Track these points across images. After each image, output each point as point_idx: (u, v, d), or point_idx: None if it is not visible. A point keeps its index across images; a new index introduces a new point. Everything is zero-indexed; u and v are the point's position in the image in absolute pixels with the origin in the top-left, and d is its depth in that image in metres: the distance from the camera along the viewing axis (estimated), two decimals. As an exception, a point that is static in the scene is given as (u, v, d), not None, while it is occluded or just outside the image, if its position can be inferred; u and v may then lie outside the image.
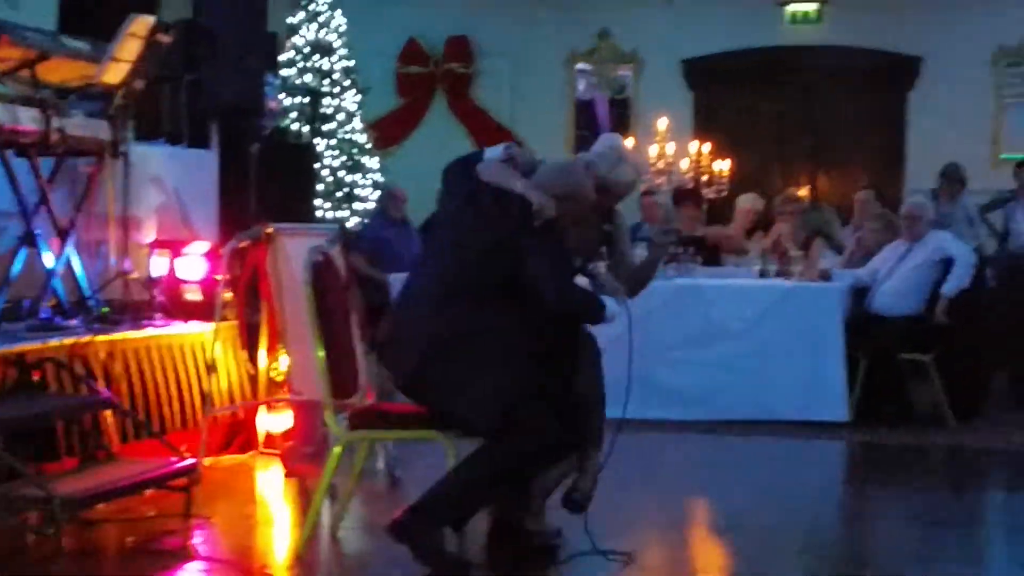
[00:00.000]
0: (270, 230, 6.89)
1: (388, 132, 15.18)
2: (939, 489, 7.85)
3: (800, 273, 9.60)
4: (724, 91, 15.26)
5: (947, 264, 9.33)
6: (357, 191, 13.54)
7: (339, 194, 13.43)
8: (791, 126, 15.09)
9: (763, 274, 9.83)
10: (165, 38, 7.30)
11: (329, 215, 13.09)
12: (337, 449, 5.41)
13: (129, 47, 7.03)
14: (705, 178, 12.56)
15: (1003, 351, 10.19)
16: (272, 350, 7.40)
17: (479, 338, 5.06)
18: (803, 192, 14.32)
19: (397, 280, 9.75)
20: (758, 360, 9.17)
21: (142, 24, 7.08)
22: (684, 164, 12.55)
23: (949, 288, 9.24)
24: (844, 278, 9.67)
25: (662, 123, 12.62)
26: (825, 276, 9.56)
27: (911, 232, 9.57)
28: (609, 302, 5.33)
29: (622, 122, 15.26)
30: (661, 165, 12.40)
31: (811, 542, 6.15)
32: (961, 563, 5.76)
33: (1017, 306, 10.38)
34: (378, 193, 13.36)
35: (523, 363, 5.07)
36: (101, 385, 6.43)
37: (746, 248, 11.23)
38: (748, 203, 11.75)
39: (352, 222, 13.25)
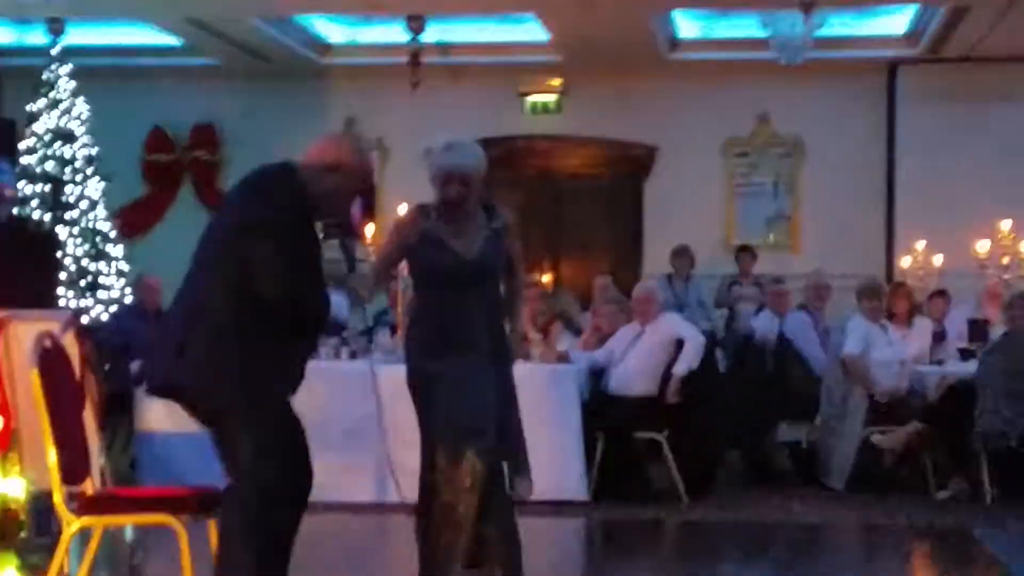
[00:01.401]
0: (2, 316, 6.81)
1: (134, 220, 15.04)
2: (675, 562, 8.13)
3: (540, 355, 9.83)
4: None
5: (679, 345, 9.67)
6: (102, 279, 13.41)
7: (83, 282, 13.27)
8: (533, 213, 15.40)
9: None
10: None
11: (73, 303, 12.91)
12: (67, 536, 5.36)
13: None
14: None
15: (735, 429, 10.56)
16: (5, 439, 7.27)
17: None
18: (546, 278, 14.66)
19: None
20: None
21: None
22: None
23: (680, 368, 9.56)
24: (581, 360, 9.94)
25: (404, 209, 12.77)
26: (563, 358, 9.81)
27: (643, 315, 9.90)
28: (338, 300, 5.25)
29: (368, 210, 15.38)
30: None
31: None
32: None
33: (746, 384, 10.79)
34: (122, 282, 13.25)
35: None
36: None
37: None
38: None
39: (96, 310, 13.09)
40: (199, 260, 5.06)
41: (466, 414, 5.73)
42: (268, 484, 4.86)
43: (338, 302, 5.15)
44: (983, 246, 12.97)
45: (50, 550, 6.14)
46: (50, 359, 5.39)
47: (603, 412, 9.57)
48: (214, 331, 4.88)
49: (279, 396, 5.01)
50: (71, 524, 5.34)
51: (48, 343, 5.41)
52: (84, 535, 5.65)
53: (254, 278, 4.83)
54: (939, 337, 11.71)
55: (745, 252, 14.05)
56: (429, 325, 5.98)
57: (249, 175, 5.15)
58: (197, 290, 5.00)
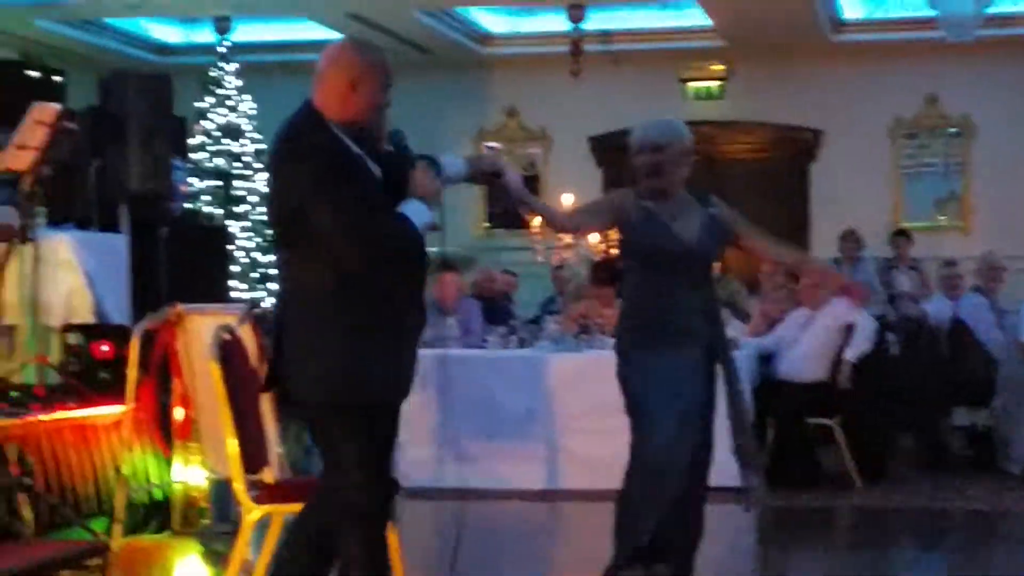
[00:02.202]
0: (179, 310, 6.96)
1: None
2: (847, 549, 8.02)
3: (708, 342, 9.75)
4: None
5: (849, 330, 9.54)
6: (272, 271, 13.62)
7: (254, 275, 13.51)
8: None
9: (673, 345, 9.96)
10: (71, 125, 7.38)
11: (245, 296, 13.16)
12: (248, 524, 5.46)
13: (35, 134, 7.10)
14: (615, 252, 12.71)
15: (909, 413, 10.39)
16: (185, 429, 7.44)
17: None
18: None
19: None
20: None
21: (48, 111, 7.16)
22: (593, 238, 12.71)
23: (851, 353, 9.44)
24: (750, 346, 9.86)
25: (568, 199, 12.80)
26: (732, 345, 9.72)
27: (812, 300, 9.78)
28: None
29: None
30: (569, 240, 12.55)
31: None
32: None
33: (920, 369, 10.60)
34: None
35: None
36: (15, 468, 6.43)
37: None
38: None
39: (268, 302, 13.32)
40: (276, 242, 4.72)
41: (673, 412, 5.58)
42: (362, 500, 4.52)
43: (415, 209, 4.53)
44: None
45: (231, 537, 6.29)
46: (229, 351, 5.49)
47: (773, 398, 9.48)
48: (307, 318, 4.51)
49: (384, 395, 4.59)
50: (251, 512, 5.43)
51: (227, 335, 5.52)
52: (263, 523, 5.75)
53: (330, 251, 4.39)
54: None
55: (901, 236, 13.79)
56: (644, 313, 5.75)
57: (280, 136, 4.59)
58: (286, 275, 4.68)
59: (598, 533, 5.98)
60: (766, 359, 9.87)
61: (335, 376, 4.44)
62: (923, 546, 8.13)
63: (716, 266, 14.17)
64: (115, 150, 8.77)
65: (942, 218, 15.16)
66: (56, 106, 7.34)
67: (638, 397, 5.64)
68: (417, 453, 8.98)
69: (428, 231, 4.57)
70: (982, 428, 10.42)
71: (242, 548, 5.53)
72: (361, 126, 4.59)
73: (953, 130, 15.22)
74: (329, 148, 4.46)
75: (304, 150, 4.47)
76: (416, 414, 9.30)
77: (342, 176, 4.41)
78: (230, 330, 5.69)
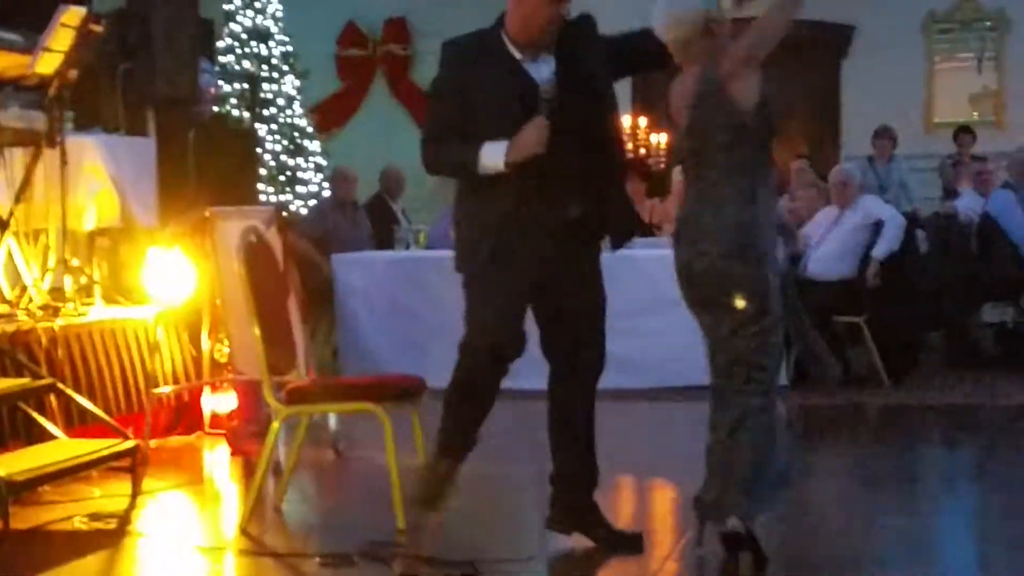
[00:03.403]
0: (207, 214, 6.98)
1: (329, 116, 15.28)
2: (877, 446, 8.06)
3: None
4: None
5: (878, 227, 9.51)
6: (300, 175, 13.67)
7: (282, 178, 13.55)
8: (727, 97, 15.20)
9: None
10: (98, 28, 7.36)
11: (272, 199, 13.19)
12: (276, 424, 5.53)
13: (62, 37, 7.08)
14: (643, 151, 12.70)
15: (936, 311, 10.38)
16: (214, 331, 7.50)
17: None
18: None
19: (340, 261, 9.92)
20: (697, 327, 9.25)
21: (74, 14, 7.13)
22: (622, 138, 12.67)
23: (879, 251, 9.43)
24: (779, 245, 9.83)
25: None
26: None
27: (841, 198, 9.75)
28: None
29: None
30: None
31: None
32: (902, 515, 5.90)
33: (949, 266, 10.57)
34: (320, 176, 13.47)
35: None
36: (44, 371, 6.51)
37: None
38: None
39: (295, 205, 13.36)
40: None
41: None
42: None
43: (492, 151, 4.97)
44: None
45: (260, 437, 6.37)
46: (255, 254, 5.52)
47: (802, 296, 9.46)
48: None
49: None
50: (279, 413, 5.50)
51: (252, 238, 5.54)
52: (291, 423, 5.82)
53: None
54: None
55: (966, 133, 13.63)
56: None
57: None
58: None
59: (625, 431, 6.02)
60: (795, 258, 9.85)
61: None
62: (951, 442, 8.16)
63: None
64: (142, 54, 8.74)
65: (976, 114, 15.01)
66: (83, 9, 7.31)
67: None
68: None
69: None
70: (1011, 325, 10.40)
71: (270, 448, 5.61)
72: (530, 38, 4.99)
73: (988, 24, 15.03)
74: (448, 67, 5.08)
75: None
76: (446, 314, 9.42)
77: (442, 95, 5.10)
78: (257, 233, 5.72)
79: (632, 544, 5.19)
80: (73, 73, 7.39)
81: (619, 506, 6.10)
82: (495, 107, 4.96)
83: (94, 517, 5.83)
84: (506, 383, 5.14)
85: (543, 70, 4.99)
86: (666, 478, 6.78)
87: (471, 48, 5.11)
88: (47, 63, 7.16)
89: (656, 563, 5.09)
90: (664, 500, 6.62)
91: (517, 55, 5.02)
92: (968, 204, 11.08)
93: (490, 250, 5.03)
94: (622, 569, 5.13)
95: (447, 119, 5.07)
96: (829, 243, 9.63)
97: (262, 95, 13.62)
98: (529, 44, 5.00)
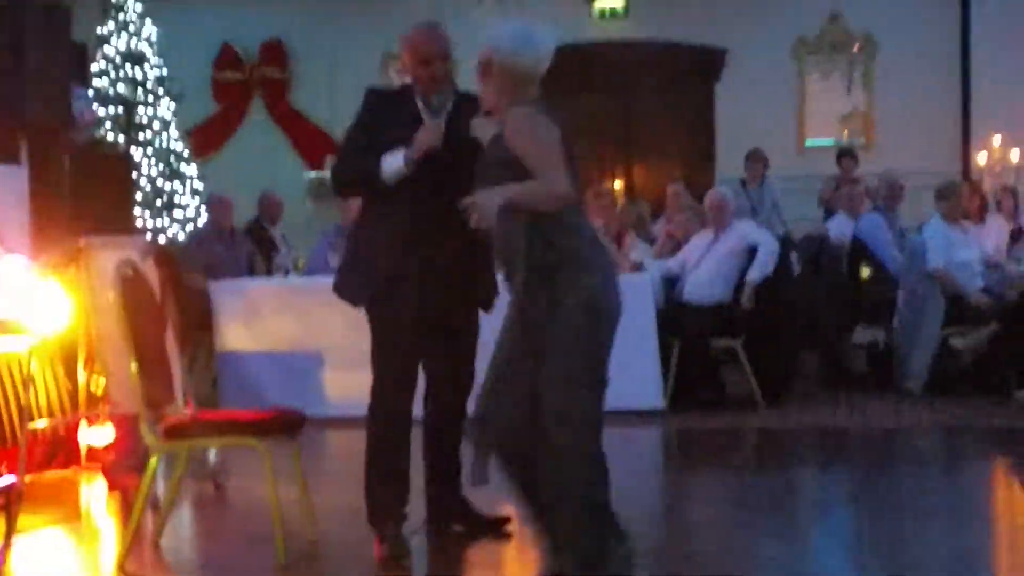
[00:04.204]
0: (82, 244, 6.90)
1: (206, 139, 15.14)
2: (753, 469, 8.14)
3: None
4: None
5: (752, 252, 9.64)
6: (177, 199, 13.53)
7: (159, 203, 13.41)
8: (603, 121, 15.34)
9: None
10: (-34, 57, 7.25)
11: (150, 224, 13.06)
12: (154, 459, 5.48)
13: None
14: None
15: (810, 332, 10.54)
16: (90, 363, 7.41)
17: None
18: (616, 185, 14.64)
19: (219, 288, 9.84)
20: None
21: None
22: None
23: (753, 275, 9.55)
24: (655, 268, 9.94)
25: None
26: (637, 268, 9.81)
27: (716, 222, 9.87)
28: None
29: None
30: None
31: (632, 529, 6.28)
32: (779, 540, 5.96)
33: (821, 288, 10.73)
34: (197, 200, 13.36)
35: None
36: (-85, 407, 6.38)
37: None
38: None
39: (173, 230, 13.23)
40: None
41: None
42: None
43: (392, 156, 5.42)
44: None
45: (138, 472, 6.30)
46: (130, 287, 5.47)
47: (678, 320, 9.58)
48: None
49: None
50: (157, 449, 5.45)
51: (128, 271, 5.49)
52: (169, 457, 5.77)
53: None
54: (1016, 235, 11.59)
55: (847, 156, 13.85)
56: None
57: None
58: None
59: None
60: (671, 282, 9.96)
61: None
62: (826, 465, 8.26)
63: (618, 188, 14.39)
64: (12, 81, 8.61)
65: (846, 133, 15.27)
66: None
67: None
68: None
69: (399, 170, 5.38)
70: (882, 346, 10.59)
71: (148, 483, 5.56)
72: (424, 94, 5.57)
73: (855, 47, 15.32)
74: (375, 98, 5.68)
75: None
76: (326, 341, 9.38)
77: (360, 120, 5.61)
78: (132, 265, 5.66)
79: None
80: (-58, 103, 7.27)
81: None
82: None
83: (-32, 557, 5.72)
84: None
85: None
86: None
87: (386, 97, 5.74)
88: (-86, 94, 7.04)
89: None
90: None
91: (421, 108, 5.55)
92: (839, 226, 11.28)
93: (386, 276, 5.42)
94: None
95: (355, 153, 5.56)
96: (705, 267, 9.74)
97: (137, 119, 13.47)
98: (426, 101, 5.55)
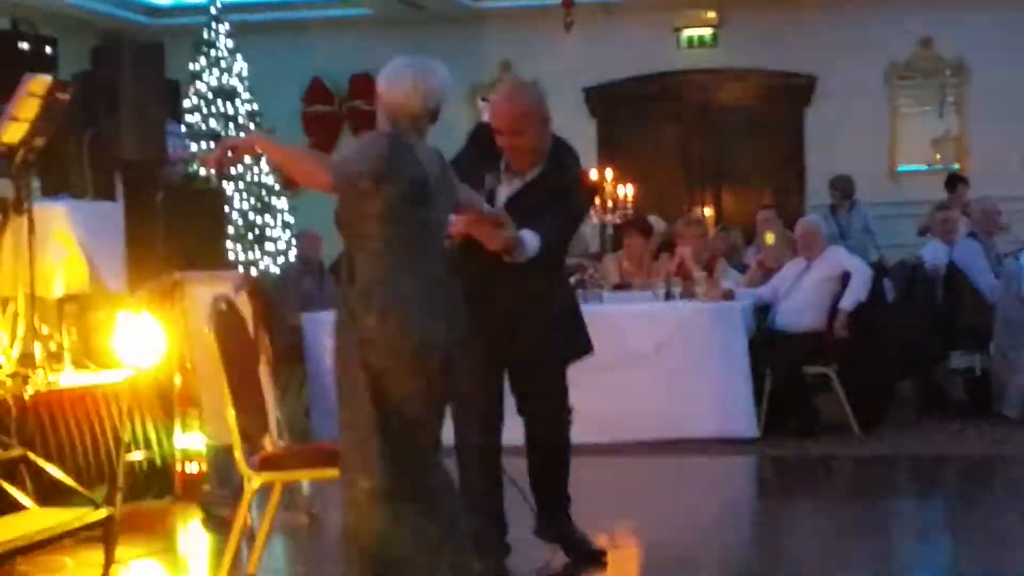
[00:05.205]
0: (176, 278, 6.98)
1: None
2: (848, 499, 8.06)
3: (704, 293, 9.79)
4: (625, 117, 15.49)
5: (845, 278, 9.56)
6: (268, 232, 13.65)
7: (250, 236, 13.53)
8: (693, 148, 15.34)
9: (668, 296, 10.00)
10: (64, 96, 7.36)
11: (241, 257, 13.19)
12: (249, 491, 5.51)
13: (28, 106, 7.08)
14: (609, 204, 12.70)
15: (905, 360, 10.42)
16: (185, 396, 7.48)
17: None
18: (707, 213, 14.59)
19: (310, 321, 9.90)
20: (667, 380, 9.29)
21: (40, 83, 7.13)
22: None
23: (847, 302, 9.47)
24: (747, 296, 9.88)
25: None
26: (728, 296, 9.76)
27: (808, 250, 9.81)
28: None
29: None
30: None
31: (725, 558, 6.29)
32: (874, 571, 5.92)
33: (916, 315, 10.61)
34: (288, 233, 13.49)
35: None
36: (14, 440, 6.47)
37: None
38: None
39: (264, 263, 13.35)
40: None
41: None
42: None
43: None
44: None
45: (232, 503, 6.35)
46: (225, 321, 5.52)
47: (770, 348, 9.51)
48: None
49: None
50: (251, 480, 5.48)
51: (223, 306, 5.55)
52: (264, 489, 5.80)
53: None
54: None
55: (959, 181, 13.61)
56: None
57: None
58: None
59: (595, 487, 6.03)
60: (763, 309, 9.90)
61: None
62: (921, 493, 8.18)
63: (709, 214, 14.36)
64: (108, 118, 8.75)
65: (938, 157, 15.11)
66: (48, 78, 7.31)
67: None
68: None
69: None
70: (979, 372, 10.44)
71: (243, 515, 5.59)
72: None
73: (948, 72, 15.17)
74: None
75: None
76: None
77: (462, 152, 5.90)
78: (227, 300, 5.72)
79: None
80: (40, 140, 7.38)
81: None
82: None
83: (67, 589, 5.79)
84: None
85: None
86: (632, 532, 6.78)
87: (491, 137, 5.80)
88: (13, 132, 7.14)
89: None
90: (629, 556, 6.59)
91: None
92: (933, 252, 11.15)
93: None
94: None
95: None
96: (796, 295, 9.68)
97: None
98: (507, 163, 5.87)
